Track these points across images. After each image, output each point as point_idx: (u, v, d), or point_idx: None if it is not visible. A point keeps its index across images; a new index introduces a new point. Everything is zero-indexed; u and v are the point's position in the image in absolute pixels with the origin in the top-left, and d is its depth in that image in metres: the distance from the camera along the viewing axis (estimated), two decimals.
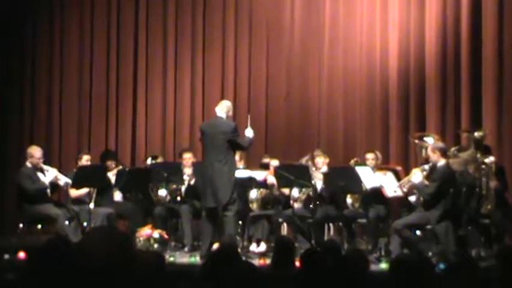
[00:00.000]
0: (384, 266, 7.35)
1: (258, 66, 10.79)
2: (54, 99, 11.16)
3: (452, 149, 8.33)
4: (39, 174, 8.39)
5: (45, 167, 8.48)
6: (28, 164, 8.42)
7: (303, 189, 8.55)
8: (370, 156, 8.67)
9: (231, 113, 8.16)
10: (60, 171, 8.77)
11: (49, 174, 8.42)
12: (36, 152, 8.47)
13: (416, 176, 7.77)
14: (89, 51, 11.15)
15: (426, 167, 7.83)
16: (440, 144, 7.94)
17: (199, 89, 10.93)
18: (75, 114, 11.13)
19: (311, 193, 8.44)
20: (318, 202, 8.51)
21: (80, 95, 11.15)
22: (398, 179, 8.27)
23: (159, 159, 9.77)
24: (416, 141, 8.65)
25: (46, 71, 11.21)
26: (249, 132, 8.11)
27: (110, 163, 9.23)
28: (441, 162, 7.62)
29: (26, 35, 11.22)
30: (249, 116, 8.40)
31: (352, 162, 8.83)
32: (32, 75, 11.23)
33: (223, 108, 8.07)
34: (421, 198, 7.77)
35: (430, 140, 8.29)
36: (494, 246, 7.74)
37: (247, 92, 10.78)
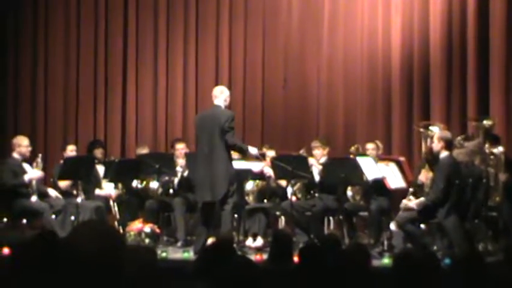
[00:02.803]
0: (386, 261, 7.34)
1: (254, 52, 10.77)
2: (39, 86, 11.12)
3: (459, 138, 8.32)
4: (26, 166, 8.37)
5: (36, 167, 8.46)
6: (16, 155, 8.40)
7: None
8: (370, 146, 8.70)
9: (228, 101, 8.00)
10: (45, 163, 8.74)
11: (35, 172, 8.38)
12: (23, 141, 8.48)
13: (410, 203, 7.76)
14: (75, 36, 11.09)
15: (412, 197, 7.79)
16: (448, 134, 7.82)
17: (192, 76, 10.90)
18: (61, 103, 11.10)
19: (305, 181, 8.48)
20: (316, 194, 8.54)
21: (66, 82, 11.10)
22: (402, 170, 8.27)
23: (145, 150, 9.67)
24: (422, 130, 8.63)
25: (30, 57, 11.16)
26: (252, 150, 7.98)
27: (97, 151, 9.24)
28: (444, 153, 7.57)
29: (8, 23, 11.16)
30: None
31: (352, 149, 8.86)
32: (16, 60, 11.16)
33: (218, 96, 7.93)
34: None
35: (435, 129, 8.28)
36: (501, 240, 7.76)
37: (242, 79, 10.76)
